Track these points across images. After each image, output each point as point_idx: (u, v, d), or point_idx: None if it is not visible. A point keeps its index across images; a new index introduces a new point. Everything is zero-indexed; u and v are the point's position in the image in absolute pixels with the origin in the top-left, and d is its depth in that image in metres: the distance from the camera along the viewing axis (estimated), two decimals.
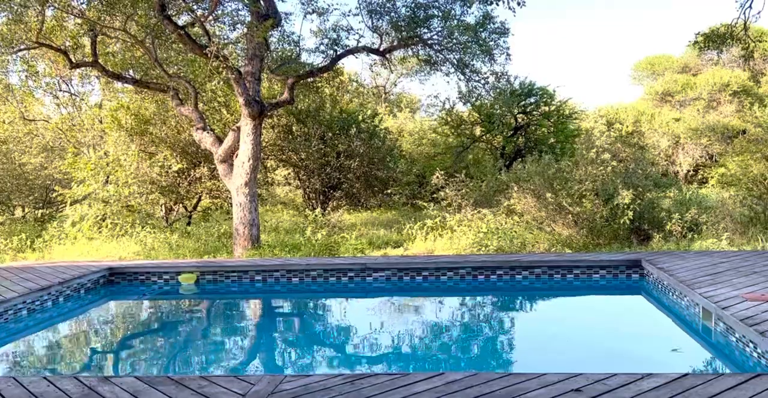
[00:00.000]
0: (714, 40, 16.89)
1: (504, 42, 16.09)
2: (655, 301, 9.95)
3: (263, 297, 11.59)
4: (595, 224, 14.70)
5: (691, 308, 8.51)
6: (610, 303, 10.62)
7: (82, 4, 14.54)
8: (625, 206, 14.45)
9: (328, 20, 15.54)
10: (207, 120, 17.36)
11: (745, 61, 18.11)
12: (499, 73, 16.54)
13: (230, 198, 16.74)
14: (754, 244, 13.95)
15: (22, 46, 14.79)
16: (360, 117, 23.91)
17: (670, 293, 9.48)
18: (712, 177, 29.52)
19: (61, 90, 23.32)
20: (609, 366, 6.63)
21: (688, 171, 32.22)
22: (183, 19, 15.48)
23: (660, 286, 10.03)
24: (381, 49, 16.02)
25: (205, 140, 15.84)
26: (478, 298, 11.10)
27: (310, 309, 10.81)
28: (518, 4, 14.41)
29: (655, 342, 7.94)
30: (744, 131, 31.69)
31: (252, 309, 11.22)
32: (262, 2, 14.75)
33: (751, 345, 6.55)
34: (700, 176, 31.66)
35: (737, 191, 17.97)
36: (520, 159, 23.52)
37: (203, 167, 20.00)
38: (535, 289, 11.06)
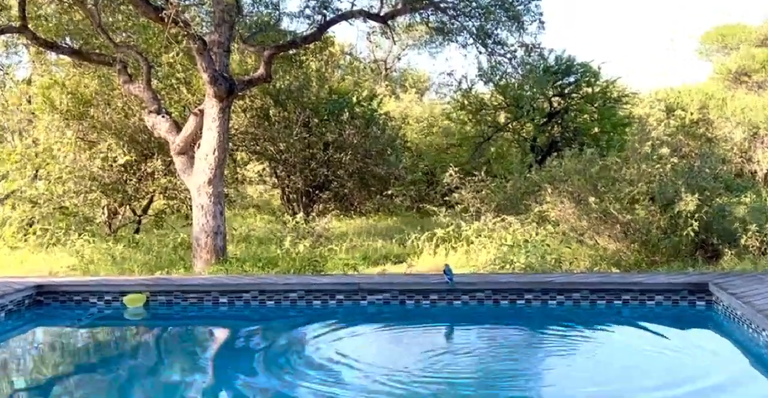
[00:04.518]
0: None
1: (536, 6, 16.10)
2: (727, 336, 9.88)
3: (230, 325, 11.51)
4: (651, 237, 14.62)
5: None
6: (668, 338, 10.53)
7: None
8: (689, 215, 14.37)
9: None
10: (162, 101, 17.31)
11: None
12: (530, 46, 16.51)
13: (190, 199, 16.69)
14: None
15: None
16: (354, 99, 23.90)
17: (746, 327, 9.40)
18: None
19: None
20: None
21: None
22: None
23: (733, 317, 9.96)
24: (381, 13, 16.00)
25: (160, 125, 15.77)
26: (500, 329, 11.02)
27: (288, 339, 10.74)
28: None
29: (725, 389, 7.87)
30: None
31: (215, 339, 11.16)
32: None
33: None
34: None
35: None
36: (555, 153, 23.41)
37: (156, 159, 19.95)
38: (574, 319, 10.98)
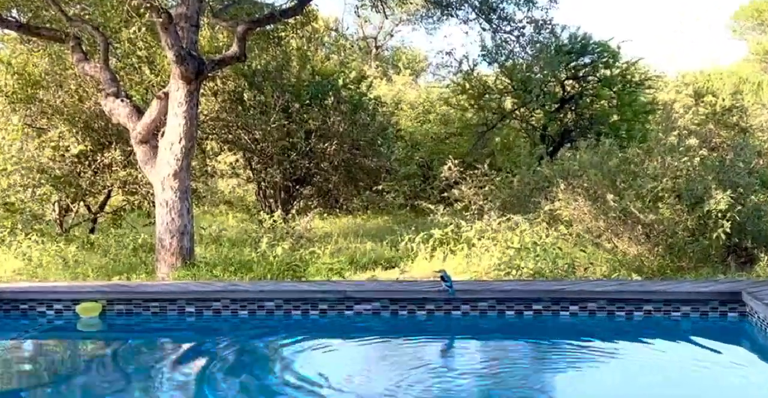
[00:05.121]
0: None
1: None
2: (762, 352, 9.87)
3: (198, 338, 11.47)
4: (676, 240, 14.63)
5: None
6: (696, 355, 10.52)
7: None
8: (720, 214, 14.37)
9: None
10: (122, 83, 17.25)
11: None
12: (540, 22, 16.50)
13: (152, 195, 16.64)
14: None
15: None
16: (340, 81, 23.85)
17: None
18: None
19: None
20: None
21: None
22: None
23: None
24: None
25: (119, 110, 15.72)
26: (506, 344, 11.02)
27: (264, 355, 10.72)
28: None
29: None
30: None
31: (181, 354, 11.10)
32: None
33: None
34: None
35: None
36: (568, 144, 23.48)
37: (115, 149, 19.89)
38: (588, 332, 10.98)
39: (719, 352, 10.51)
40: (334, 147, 22.41)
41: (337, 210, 25.10)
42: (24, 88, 19.62)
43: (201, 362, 10.65)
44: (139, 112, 15.65)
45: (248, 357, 10.66)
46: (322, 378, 8.95)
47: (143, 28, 17.88)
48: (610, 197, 15.26)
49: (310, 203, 23.85)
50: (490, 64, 21.16)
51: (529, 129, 27.44)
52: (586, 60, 26.30)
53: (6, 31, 19.49)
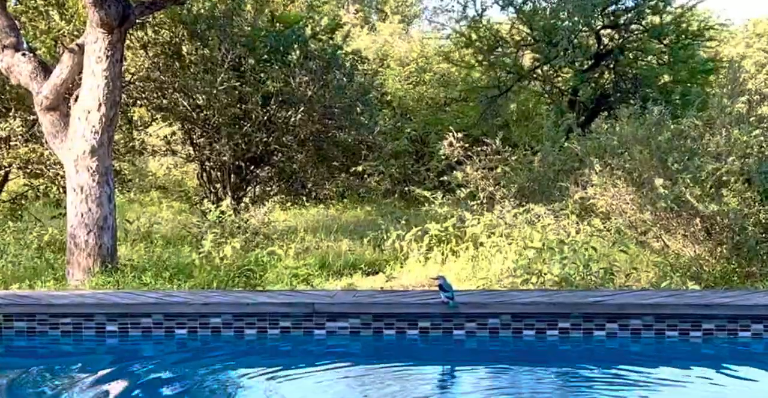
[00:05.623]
0: None
1: None
2: None
3: (122, 365, 11.43)
4: (746, 238, 14.66)
5: None
6: None
7: None
8: None
9: None
10: (23, 32, 17.18)
11: None
12: None
13: (63, 178, 16.61)
14: None
15: None
16: (308, 30, 23.83)
17: None
18: None
19: None
20: None
21: None
22: None
23: None
24: None
25: (19, 67, 15.66)
26: (524, 372, 11.02)
27: (208, 387, 10.69)
28: None
29: None
30: None
31: (99, 386, 11.06)
32: None
33: None
34: None
35: None
36: (605, 113, 23.47)
37: (13, 118, 19.84)
38: (631, 357, 10.99)
39: None
40: (300, 116, 22.37)
41: (304, 198, 25.12)
42: None
43: (125, 395, 10.64)
44: (46, 69, 15.59)
45: (187, 389, 10.64)
46: None
47: None
48: (659, 182, 15.26)
49: (268, 188, 23.85)
50: (503, 8, 21.23)
51: (554, 93, 27.49)
52: (629, 3, 26.36)
53: None
